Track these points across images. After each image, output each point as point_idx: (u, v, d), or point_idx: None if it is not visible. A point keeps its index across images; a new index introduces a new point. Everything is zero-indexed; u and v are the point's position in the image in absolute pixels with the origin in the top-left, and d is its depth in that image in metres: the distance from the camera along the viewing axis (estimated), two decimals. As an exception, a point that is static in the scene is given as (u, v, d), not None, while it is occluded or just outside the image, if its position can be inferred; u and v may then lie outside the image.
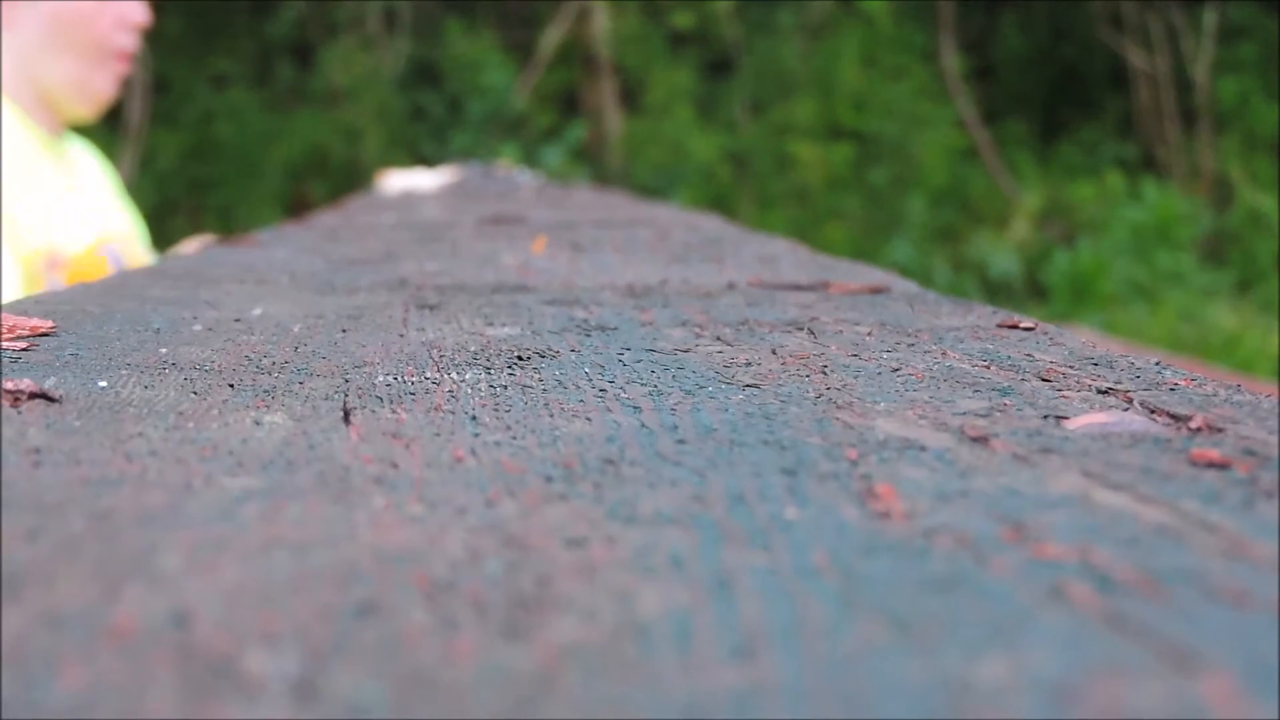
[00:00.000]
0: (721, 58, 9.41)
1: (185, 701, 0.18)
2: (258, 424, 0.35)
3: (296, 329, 0.54)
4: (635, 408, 0.38)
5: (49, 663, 0.19)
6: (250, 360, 0.46)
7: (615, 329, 0.55)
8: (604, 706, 0.18)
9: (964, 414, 0.36)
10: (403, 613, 0.21)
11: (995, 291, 7.61)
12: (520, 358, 0.47)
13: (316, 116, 9.03)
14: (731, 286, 0.70)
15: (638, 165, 8.70)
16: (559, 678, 0.19)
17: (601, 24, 9.51)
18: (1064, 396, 0.39)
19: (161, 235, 1.99)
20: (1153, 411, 0.36)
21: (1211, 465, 0.31)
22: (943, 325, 0.55)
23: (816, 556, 0.24)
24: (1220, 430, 0.34)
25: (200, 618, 0.21)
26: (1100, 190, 8.55)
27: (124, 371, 0.43)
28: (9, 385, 0.38)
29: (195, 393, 0.40)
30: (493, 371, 0.44)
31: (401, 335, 0.53)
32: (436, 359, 0.47)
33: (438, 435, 0.34)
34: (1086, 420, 0.35)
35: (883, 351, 0.48)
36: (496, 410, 0.37)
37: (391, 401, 0.39)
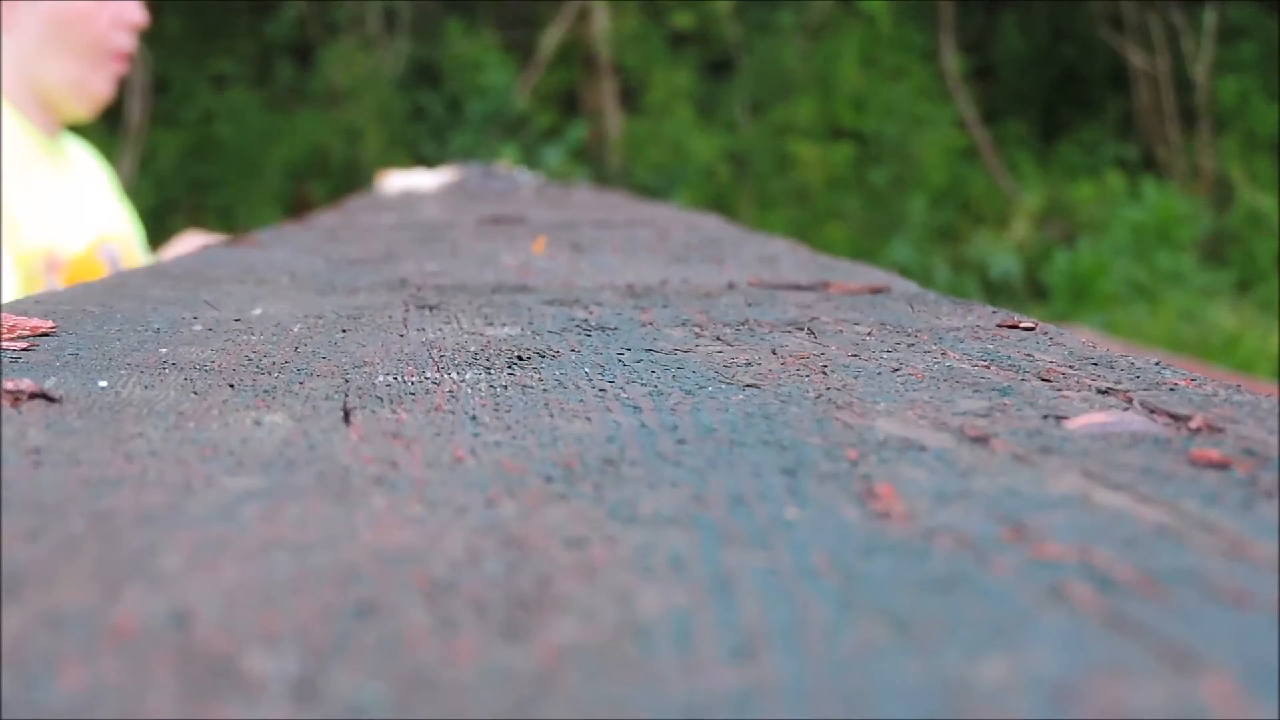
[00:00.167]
0: (721, 58, 9.41)
1: (185, 701, 0.18)
2: (258, 424, 0.35)
3: (296, 329, 0.54)
4: (635, 408, 0.38)
5: (49, 663, 0.19)
6: (250, 360, 0.46)
7: (615, 329, 0.55)
8: (604, 706, 0.18)
9: (964, 414, 0.36)
10: (403, 613, 0.21)
11: (995, 291, 7.61)
12: (520, 358, 0.47)
13: (316, 116, 9.03)
14: (731, 286, 0.70)
15: (638, 165, 8.70)
16: (559, 678, 0.19)
17: (601, 24, 9.51)
18: (1064, 396, 0.39)
19: (161, 235, 1.99)
20: (1153, 411, 0.36)
21: (1211, 465, 0.31)
22: (943, 325, 0.55)
23: (816, 556, 0.24)
24: (1220, 430, 0.34)
25: (200, 618, 0.21)
26: (1100, 190, 8.55)
27: (124, 371, 0.43)
28: (9, 385, 0.38)
29: (195, 393, 0.40)
30: (493, 371, 0.44)
31: (401, 335, 0.53)
32: (436, 359, 0.47)
33: (438, 435, 0.34)
34: (1086, 420, 0.35)
35: (883, 351, 0.48)
36: (496, 410, 0.37)
37: (391, 401, 0.39)
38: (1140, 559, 0.24)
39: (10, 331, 0.49)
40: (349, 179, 7.71)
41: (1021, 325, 0.54)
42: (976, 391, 0.40)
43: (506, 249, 0.98)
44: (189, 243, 1.53)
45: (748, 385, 0.41)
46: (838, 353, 0.48)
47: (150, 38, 7.99)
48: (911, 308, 0.61)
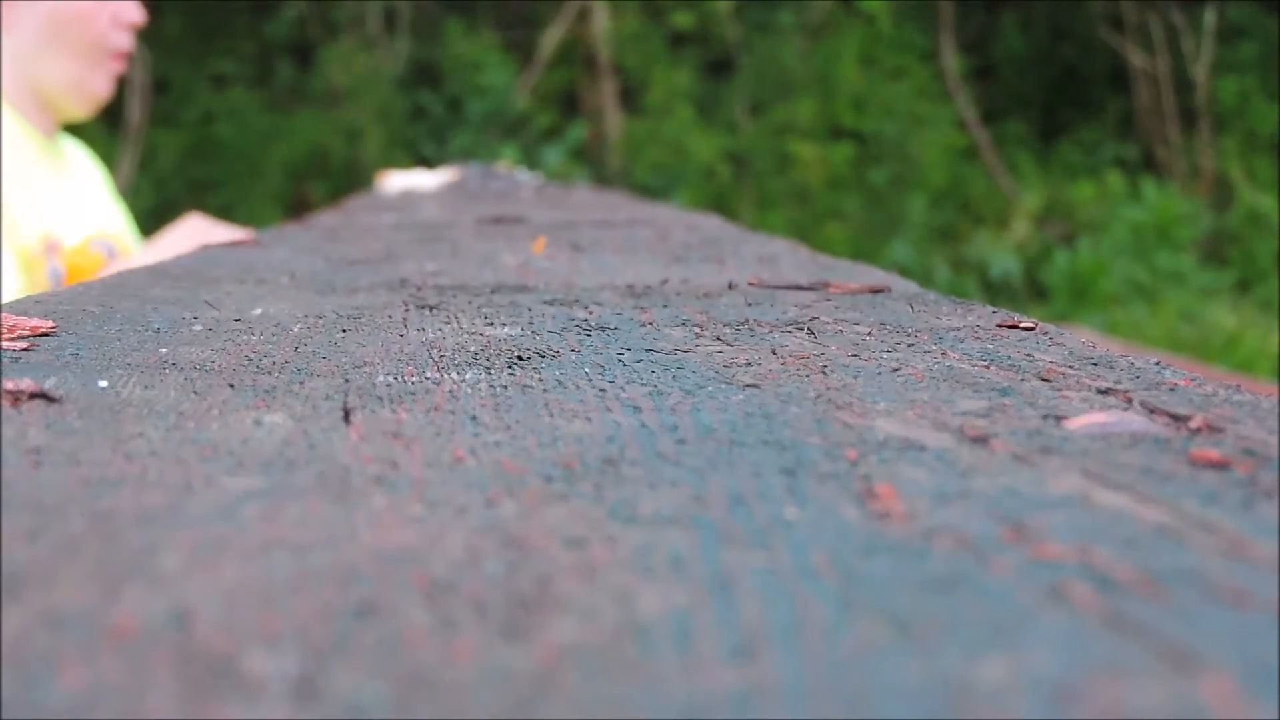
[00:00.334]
0: (721, 58, 9.41)
1: (185, 701, 0.18)
2: (258, 424, 0.35)
3: (296, 329, 0.54)
4: (635, 408, 0.38)
5: (49, 663, 0.19)
6: (250, 360, 0.46)
7: (615, 329, 0.55)
8: (604, 706, 0.18)
9: (964, 414, 0.36)
10: (403, 613, 0.21)
11: (995, 291, 7.61)
12: (520, 358, 0.47)
13: (316, 116, 9.03)
14: (731, 286, 0.70)
15: (638, 165, 8.70)
16: (559, 678, 0.19)
17: (601, 24, 9.51)
18: (1064, 396, 0.39)
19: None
20: (1153, 411, 0.36)
21: (1211, 465, 0.31)
22: (943, 325, 0.55)
23: (816, 556, 0.24)
24: (1220, 430, 0.34)
25: (200, 618, 0.21)
26: (1100, 190, 8.55)
27: (124, 371, 0.43)
28: (9, 385, 0.38)
29: (195, 393, 0.40)
30: (493, 371, 0.44)
31: (401, 335, 0.53)
32: (436, 359, 0.47)
33: (438, 435, 0.34)
34: (1086, 420, 0.35)
35: (883, 351, 0.48)
36: (496, 410, 0.37)
37: (391, 401, 0.39)
38: (1140, 559, 0.24)
39: (10, 331, 0.49)
40: (349, 179, 7.71)
41: (1021, 325, 0.54)
42: (976, 391, 0.40)
43: (506, 249, 0.98)
44: (192, 226, 1.54)
45: (748, 385, 0.41)
46: (838, 353, 0.48)
47: (150, 38, 7.99)
48: (911, 308, 0.61)
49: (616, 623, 0.21)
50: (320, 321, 0.57)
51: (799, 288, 0.69)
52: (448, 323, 0.57)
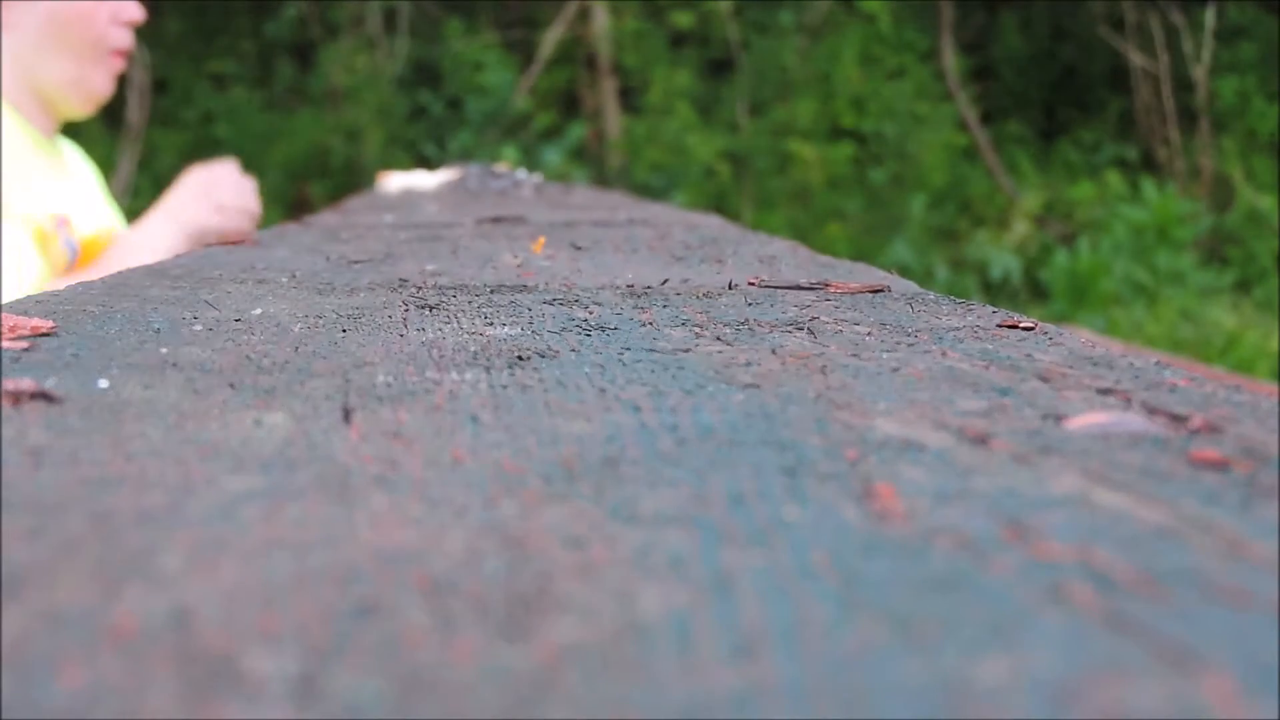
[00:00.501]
0: (721, 58, 9.41)
1: (185, 701, 0.18)
2: (258, 424, 0.35)
3: (297, 329, 0.54)
4: (635, 408, 0.38)
5: (49, 663, 0.19)
6: (250, 360, 0.46)
7: (615, 329, 0.55)
8: (604, 706, 0.18)
9: (964, 414, 0.36)
10: (403, 613, 0.21)
11: (995, 291, 7.61)
12: (520, 358, 0.47)
13: (316, 116, 9.03)
14: (731, 286, 0.70)
15: (638, 165, 8.70)
16: (559, 678, 0.19)
17: (601, 24, 9.51)
18: (1064, 396, 0.39)
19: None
20: (1153, 411, 0.36)
21: (1211, 465, 0.31)
22: (943, 325, 0.55)
23: (816, 556, 0.24)
24: (1220, 430, 0.34)
25: (200, 618, 0.21)
26: (1100, 190, 8.55)
27: (124, 371, 0.43)
28: (9, 385, 0.38)
29: (196, 393, 0.40)
30: (493, 371, 0.44)
31: (401, 335, 0.53)
32: (436, 359, 0.47)
33: (438, 435, 0.34)
34: (1086, 420, 0.35)
35: (883, 351, 0.48)
36: (496, 410, 0.37)
37: (392, 401, 0.39)
38: (1140, 559, 0.24)
39: (10, 331, 0.49)
40: (349, 179, 7.71)
41: (1021, 325, 0.54)
42: (976, 391, 0.40)
43: (506, 249, 0.98)
44: (194, 178, 1.57)
45: (748, 385, 0.41)
46: (838, 353, 0.48)
47: (150, 38, 7.98)
48: (911, 308, 0.61)
49: (616, 623, 0.21)
50: (320, 321, 0.57)
51: (799, 288, 0.69)
52: (448, 323, 0.57)
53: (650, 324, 0.56)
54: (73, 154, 1.62)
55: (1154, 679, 0.19)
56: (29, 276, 1.35)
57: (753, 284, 0.71)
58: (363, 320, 0.58)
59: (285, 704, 0.18)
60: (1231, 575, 0.23)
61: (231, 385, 0.41)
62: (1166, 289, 7.26)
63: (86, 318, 0.56)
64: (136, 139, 8.48)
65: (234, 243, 1.03)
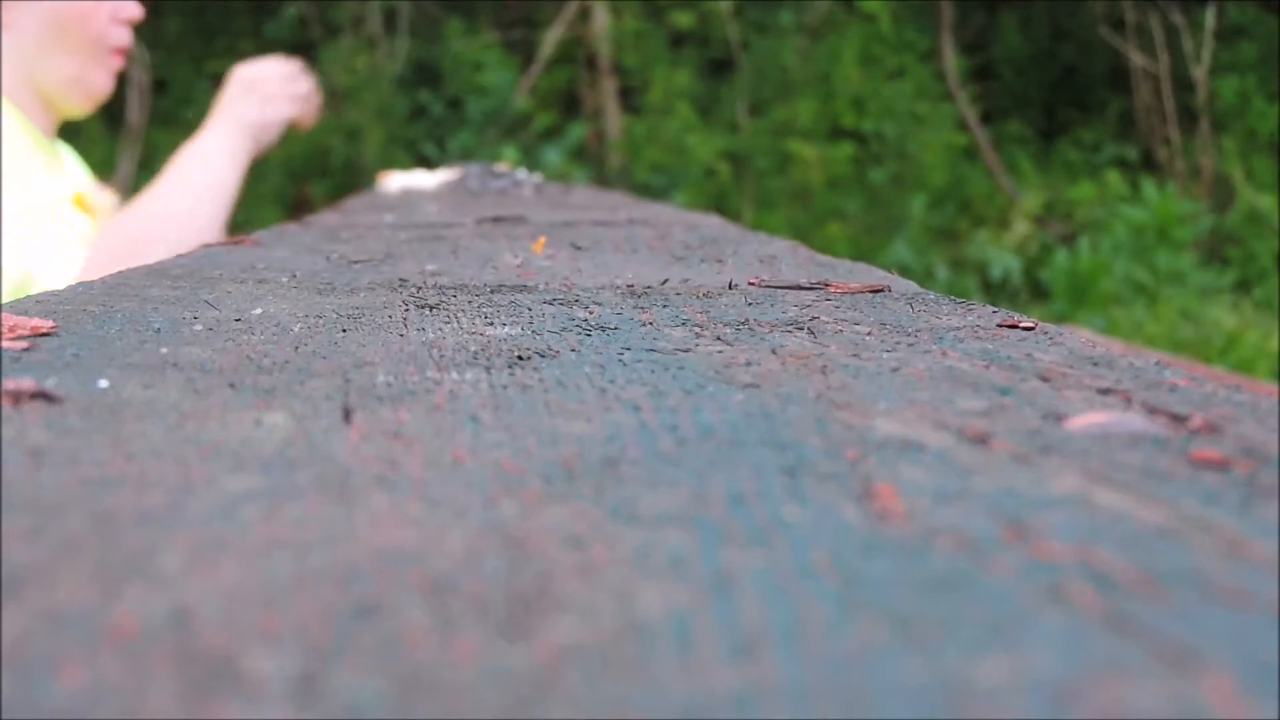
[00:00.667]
0: (721, 58, 9.41)
1: (185, 701, 0.18)
2: (258, 424, 0.35)
3: (297, 329, 0.54)
4: (635, 407, 0.38)
5: (49, 663, 0.19)
6: (251, 360, 0.46)
7: (615, 329, 0.55)
8: (604, 706, 0.18)
9: (964, 414, 0.36)
10: (403, 613, 0.21)
11: (995, 291, 7.61)
12: (520, 358, 0.47)
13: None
14: (731, 286, 0.70)
15: (638, 165, 8.70)
16: (559, 678, 0.19)
17: (601, 24, 9.51)
18: (1064, 396, 0.39)
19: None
20: (1153, 411, 0.36)
21: (1211, 465, 0.31)
22: (943, 325, 0.55)
23: (816, 556, 0.24)
24: (1220, 430, 0.34)
25: (200, 618, 0.21)
26: (1100, 190, 8.55)
27: (124, 371, 0.43)
28: (9, 385, 0.38)
29: (196, 393, 0.40)
30: (493, 371, 0.44)
31: (402, 335, 0.53)
32: (436, 359, 0.47)
33: (438, 435, 0.34)
34: (1086, 420, 0.35)
35: (883, 351, 0.48)
36: (496, 410, 0.37)
37: (392, 401, 0.39)
38: (1140, 559, 0.24)
39: (10, 331, 0.49)
40: (349, 179, 7.70)
41: (1021, 325, 0.54)
42: (976, 391, 0.40)
43: (506, 249, 0.98)
44: (239, 74, 1.59)
45: (748, 385, 0.41)
46: (838, 353, 0.48)
47: (150, 38, 7.98)
48: (911, 308, 0.61)
49: (616, 623, 0.21)
50: (320, 321, 0.57)
51: (799, 288, 0.69)
52: (448, 322, 0.57)
53: (650, 324, 0.56)
54: (69, 158, 1.62)
55: (1154, 679, 0.19)
56: (76, 237, 1.36)
57: (753, 284, 0.71)
58: (363, 320, 0.58)
59: (285, 704, 0.18)
60: (1231, 575, 0.23)
61: (231, 385, 0.41)
62: (1166, 289, 7.26)
63: (86, 317, 0.56)
64: (136, 139, 8.48)
65: (234, 242, 1.03)
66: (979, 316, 0.58)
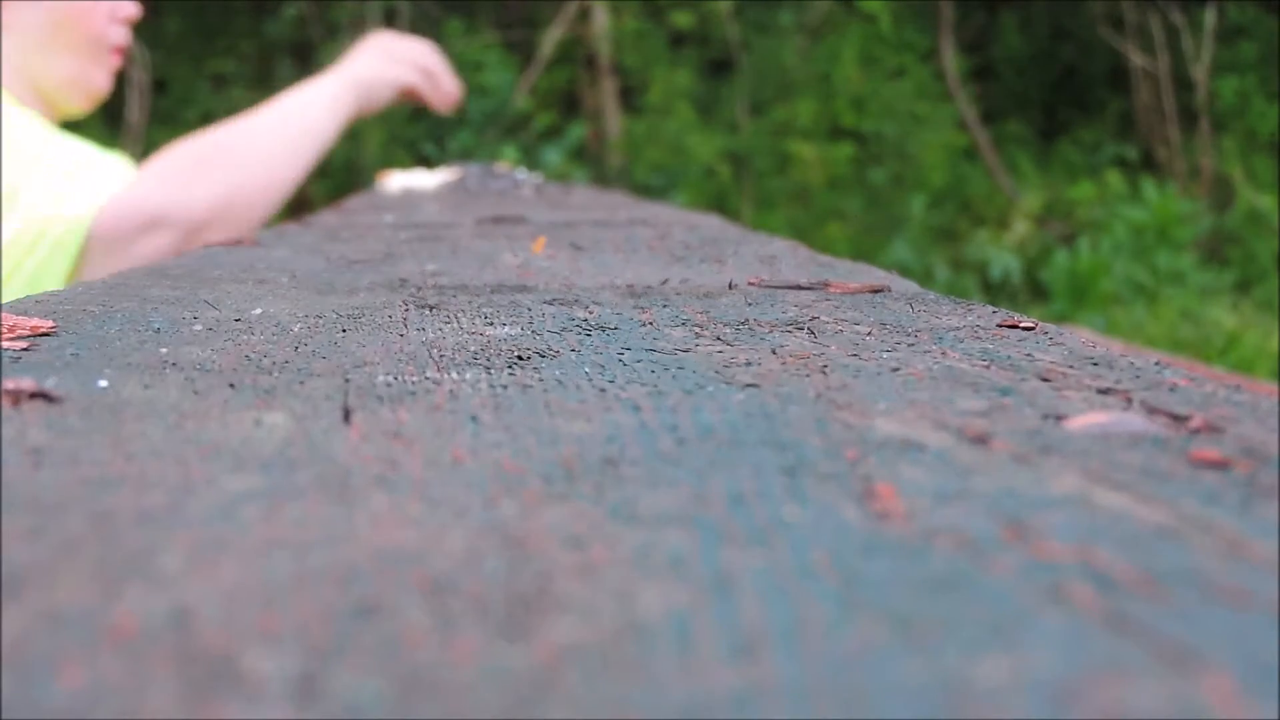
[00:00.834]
0: (721, 58, 9.41)
1: (185, 701, 0.18)
2: (258, 424, 0.35)
3: (297, 329, 0.54)
4: (635, 407, 0.38)
5: (49, 663, 0.19)
6: (251, 360, 0.46)
7: (615, 329, 0.55)
8: (604, 706, 0.18)
9: (964, 414, 0.36)
10: (403, 613, 0.21)
11: (995, 291, 7.61)
12: (520, 358, 0.47)
13: (317, 116, 9.01)
14: (731, 286, 0.70)
15: (638, 165, 8.70)
16: (559, 678, 0.19)
17: (601, 24, 9.51)
18: (1064, 396, 0.39)
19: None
20: (1153, 411, 0.36)
21: (1211, 465, 0.31)
22: (943, 325, 0.55)
23: (816, 556, 0.24)
24: (1220, 430, 0.34)
25: (200, 618, 0.21)
26: (1100, 190, 8.55)
27: (124, 371, 0.43)
28: (9, 385, 0.38)
29: (196, 393, 0.40)
30: (493, 371, 0.44)
31: (402, 335, 0.53)
32: (436, 359, 0.47)
33: (438, 435, 0.34)
34: (1086, 420, 0.35)
35: (883, 351, 0.48)
36: (496, 410, 0.37)
37: (391, 401, 0.39)
38: (1140, 559, 0.24)
39: (10, 331, 0.49)
40: (349, 179, 7.70)
41: (1021, 325, 0.54)
42: (976, 391, 0.40)
43: (506, 249, 0.98)
44: (372, 41, 1.60)
45: (748, 385, 0.41)
46: (838, 353, 0.48)
47: (150, 38, 7.98)
48: (911, 308, 0.61)
49: (616, 623, 0.21)
50: (320, 321, 0.57)
51: (799, 288, 0.69)
52: (448, 322, 0.57)
53: (650, 324, 0.56)
54: None
55: (1154, 679, 0.19)
56: (116, 173, 1.37)
57: (753, 284, 0.71)
58: (363, 320, 0.58)
59: (285, 704, 0.18)
60: (1231, 575, 0.23)
61: (231, 385, 0.41)
62: (1166, 289, 7.26)
63: (86, 317, 0.56)
64: (136, 139, 8.48)
65: (234, 242, 1.03)
66: (979, 316, 0.58)
